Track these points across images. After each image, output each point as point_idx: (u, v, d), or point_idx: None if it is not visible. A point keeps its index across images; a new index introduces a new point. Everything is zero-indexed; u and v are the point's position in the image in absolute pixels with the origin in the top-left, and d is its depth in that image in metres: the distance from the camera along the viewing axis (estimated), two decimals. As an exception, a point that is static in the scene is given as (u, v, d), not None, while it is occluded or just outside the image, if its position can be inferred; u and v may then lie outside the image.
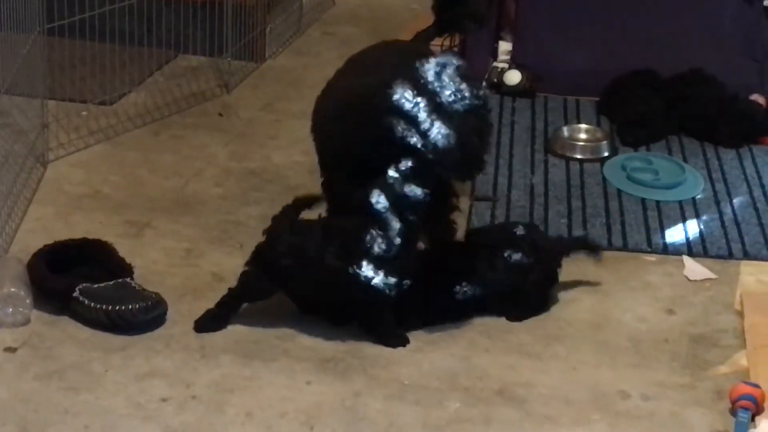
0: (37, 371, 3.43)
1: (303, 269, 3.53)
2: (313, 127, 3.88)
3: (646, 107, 5.03)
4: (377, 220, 3.53)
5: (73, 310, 3.66)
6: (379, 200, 3.53)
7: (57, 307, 3.67)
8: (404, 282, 3.56)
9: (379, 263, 3.52)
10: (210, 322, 3.62)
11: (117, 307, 3.61)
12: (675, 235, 4.31)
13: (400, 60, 3.87)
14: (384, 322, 3.62)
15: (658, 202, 4.51)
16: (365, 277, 3.51)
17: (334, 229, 3.56)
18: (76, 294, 3.64)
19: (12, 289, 3.62)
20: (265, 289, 3.62)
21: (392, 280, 3.53)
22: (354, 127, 3.65)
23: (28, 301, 3.64)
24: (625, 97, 5.13)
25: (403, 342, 3.62)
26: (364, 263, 3.50)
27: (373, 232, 3.52)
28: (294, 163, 4.65)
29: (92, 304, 3.62)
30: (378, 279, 3.51)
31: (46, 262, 3.76)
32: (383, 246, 3.52)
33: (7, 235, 3.99)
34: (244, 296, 3.64)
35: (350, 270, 3.51)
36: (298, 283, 3.59)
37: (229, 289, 3.65)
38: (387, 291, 3.53)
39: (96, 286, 3.67)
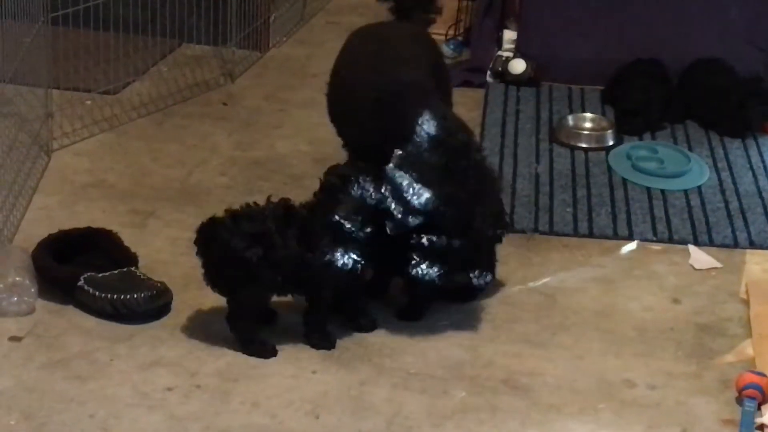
0: (42, 360, 3.43)
1: (267, 257, 3.45)
2: (335, 110, 3.90)
3: (643, 96, 5.03)
4: (348, 201, 3.50)
5: (77, 300, 3.65)
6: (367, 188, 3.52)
7: (62, 297, 3.67)
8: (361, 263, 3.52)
9: (343, 244, 3.49)
10: (257, 351, 3.52)
11: (122, 297, 3.61)
12: (680, 224, 4.29)
13: (419, 52, 3.96)
14: (352, 302, 3.62)
15: (663, 191, 4.50)
16: (327, 259, 3.47)
17: (293, 211, 3.52)
18: (80, 283, 3.64)
19: (17, 278, 3.62)
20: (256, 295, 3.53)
21: (352, 259, 3.49)
22: (390, 126, 3.67)
23: (33, 290, 3.63)
24: (627, 86, 5.12)
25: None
26: (327, 247, 3.47)
27: (341, 213, 3.48)
28: (298, 152, 4.65)
29: (97, 294, 3.62)
30: (342, 260, 3.48)
31: (50, 252, 3.75)
32: (351, 229, 3.48)
33: (11, 225, 3.99)
34: (246, 314, 3.55)
35: (312, 253, 3.47)
36: (266, 274, 3.47)
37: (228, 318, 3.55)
38: (348, 271, 3.49)
39: (101, 275, 3.66)
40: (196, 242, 3.52)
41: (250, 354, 3.49)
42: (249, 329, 3.52)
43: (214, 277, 3.51)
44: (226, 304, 3.54)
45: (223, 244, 3.45)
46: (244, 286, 3.48)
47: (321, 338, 3.55)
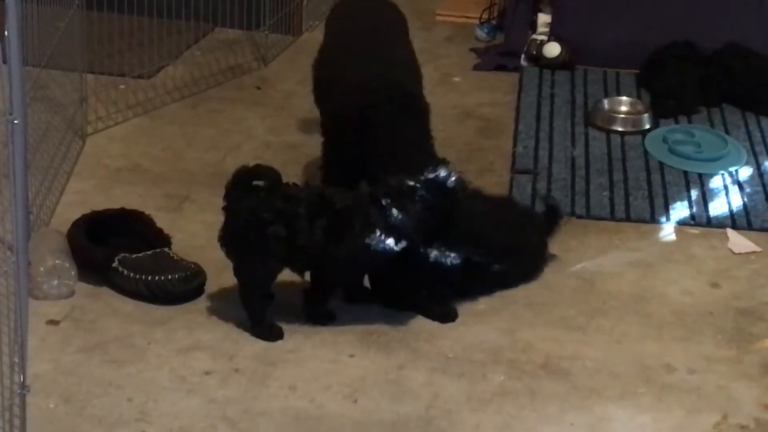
0: (80, 344, 3.43)
1: (291, 239, 3.43)
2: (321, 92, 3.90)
3: (678, 79, 4.99)
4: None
5: (112, 281, 3.66)
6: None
7: (97, 279, 3.67)
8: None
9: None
10: (266, 333, 3.50)
11: (156, 278, 3.61)
12: (718, 207, 4.27)
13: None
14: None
15: (700, 174, 4.46)
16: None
17: (328, 201, 3.47)
18: (115, 264, 3.64)
19: (57, 261, 3.61)
20: (264, 269, 3.50)
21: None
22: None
23: (73, 272, 3.63)
24: (660, 69, 5.09)
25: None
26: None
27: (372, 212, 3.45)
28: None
29: (131, 275, 3.63)
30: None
31: (84, 232, 3.75)
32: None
33: (47, 209, 3.99)
34: (256, 288, 3.53)
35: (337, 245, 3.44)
36: (285, 254, 3.46)
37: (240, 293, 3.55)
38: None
39: (134, 256, 3.66)
40: (225, 196, 3.49)
41: (257, 335, 3.48)
42: (260, 308, 3.50)
43: (230, 238, 3.50)
44: (235, 278, 3.52)
45: (249, 212, 3.43)
46: (255, 259, 3.47)
47: (323, 314, 3.56)
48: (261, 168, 3.54)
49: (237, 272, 3.53)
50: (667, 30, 5.21)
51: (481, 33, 5.60)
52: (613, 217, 4.19)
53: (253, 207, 3.45)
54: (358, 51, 3.99)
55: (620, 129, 4.78)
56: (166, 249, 3.74)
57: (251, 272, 3.50)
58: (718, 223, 4.18)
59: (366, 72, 3.85)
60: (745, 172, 4.51)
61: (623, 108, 4.93)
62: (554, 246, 3.97)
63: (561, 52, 5.28)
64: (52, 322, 3.52)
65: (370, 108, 3.75)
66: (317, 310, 3.57)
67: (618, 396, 3.32)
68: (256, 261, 3.48)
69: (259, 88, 5.08)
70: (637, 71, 5.22)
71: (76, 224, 3.79)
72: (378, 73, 3.83)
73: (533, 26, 5.47)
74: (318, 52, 4.20)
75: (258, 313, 3.50)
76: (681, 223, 4.17)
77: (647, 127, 4.80)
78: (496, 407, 3.25)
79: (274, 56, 5.32)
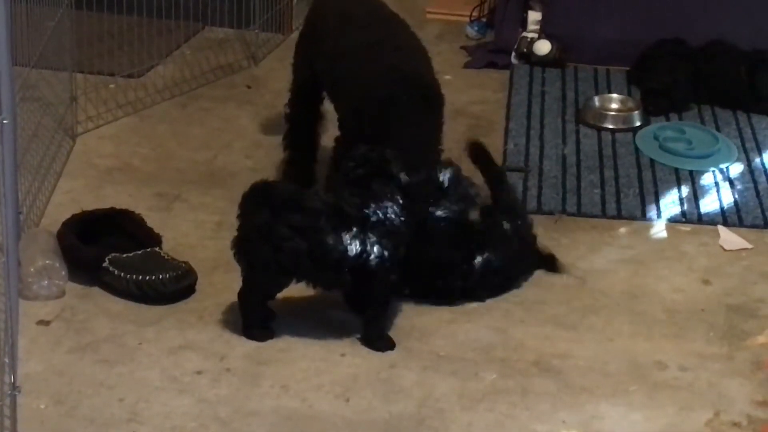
0: (71, 344, 3.42)
1: (314, 252, 3.40)
2: (360, 104, 3.83)
3: (669, 76, 4.99)
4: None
5: (103, 281, 3.65)
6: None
7: (88, 279, 3.66)
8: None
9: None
10: (257, 333, 3.49)
11: (147, 277, 3.61)
12: (709, 204, 4.27)
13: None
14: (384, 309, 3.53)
15: (691, 171, 4.46)
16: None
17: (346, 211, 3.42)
18: (105, 264, 3.63)
19: (47, 262, 3.61)
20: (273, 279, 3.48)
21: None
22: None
23: (63, 273, 3.63)
24: (651, 67, 5.09)
25: (391, 345, 3.49)
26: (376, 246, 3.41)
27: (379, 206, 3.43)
28: (324, 134, 4.61)
29: (122, 275, 3.62)
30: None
31: (75, 232, 3.75)
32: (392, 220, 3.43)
33: (37, 209, 3.98)
34: (259, 296, 3.51)
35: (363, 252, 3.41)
36: (303, 266, 3.43)
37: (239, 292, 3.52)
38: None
39: (125, 255, 3.66)
40: (241, 206, 3.46)
41: (248, 336, 3.47)
42: (256, 312, 3.49)
43: (241, 247, 3.46)
44: (241, 279, 3.50)
45: (266, 226, 3.40)
46: (265, 272, 3.45)
47: (380, 339, 3.48)
48: (279, 186, 3.51)
49: (244, 279, 3.50)
50: (657, 27, 5.21)
51: (471, 31, 5.59)
52: (604, 215, 4.19)
53: (269, 222, 3.39)
54: (373, 41, 3.91)
55: (611, 126, 4.78)
56: (156, 248, 3.74)
57: (258, 282, 3.48)
58: (709, 220, 4.18)
59: (384, 62, 3.81)
60: (736, 169, 4.51)
61: (614, 105, 4.93)
62: (545, 244, 3.97)
63: (551, 50, 5.28)
64: (43, 323, 3.51)
65: (390, 100, 3.72)
66: (373, 335, 3.49)
67: (610, 394, 3.32)
68: (266, 273, 3.45)
69: (249, 86, 5.07)
70: (628, 68, 5.21)
71: (67, 224, 3.79)
72: (396, 64, 3.80)
73: (523, 24, 5.46)
74: (314, 43, 4.11)
75: (253, 316, 3.49)
76: (672, 221, 4.17)
77: (638, 124, 4.80)
78: (488, 405, 3.25)
79: (265, 55, 5.31)
